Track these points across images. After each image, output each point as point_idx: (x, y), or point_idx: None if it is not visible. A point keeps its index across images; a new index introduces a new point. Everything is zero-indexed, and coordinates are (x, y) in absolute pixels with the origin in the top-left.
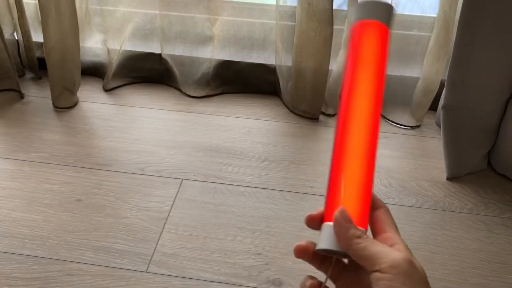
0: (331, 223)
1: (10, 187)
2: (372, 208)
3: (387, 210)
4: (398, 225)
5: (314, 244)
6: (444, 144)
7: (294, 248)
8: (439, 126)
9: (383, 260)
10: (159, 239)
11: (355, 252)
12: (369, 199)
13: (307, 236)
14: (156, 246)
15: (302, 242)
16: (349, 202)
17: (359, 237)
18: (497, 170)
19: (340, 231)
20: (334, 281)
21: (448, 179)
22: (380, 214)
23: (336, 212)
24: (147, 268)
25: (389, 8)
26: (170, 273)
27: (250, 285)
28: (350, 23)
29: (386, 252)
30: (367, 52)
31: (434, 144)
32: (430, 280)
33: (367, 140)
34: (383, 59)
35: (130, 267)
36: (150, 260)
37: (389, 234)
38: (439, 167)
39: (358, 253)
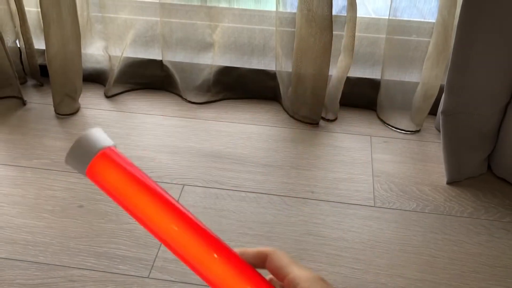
0: None
1: (12, 193)
2: (260, 261)
3: (274, 252)
4: (399, 230)
5: None
6: (444, 148)
7: None
8: (439, 131)
9: None
10: (161, 244)
11: None
12: (242, 263)
13: (308, 241)
14: (158, 252)
15: None
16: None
17: None
18: (497, 174)
19: None
20: None
21: (448, 183)
22: (270, 262)
23: None
24: (149, 273)
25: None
26: (172, 279)
27: None
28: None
29: None
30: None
31: (434, 149)
32: (431, 284)
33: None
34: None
35: (132, 273)
36: (152, 265)
37: (288, 277)
38: (439, 172)
39: None
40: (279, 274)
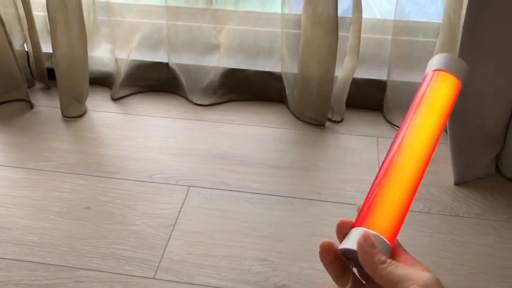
0: (361, 229)
1: (20, 195)
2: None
3: (398, 241)
4: (405, 230)
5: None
6: (451, 149)
7: (320, 245)
8: (446, 132)
9: (411, 282)
10: (166, 245)
11: (381, 277)
12: (402, 219)
13: (314, 241)
14: (163, 253)
15: (328, 241)
16: (385, 216)
17: (383, 262)
18: (505, 175)
19: (365, 257)
20: None
21: (456, 184)
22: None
23: (360, 237)
24: (155, 274)
25: (464, 66)
26: (177, 280)
27: None
28: (428, 70)
29: (413, 274)
30: (437, 97)
31: (441, 150)
32: None
33: (417, 167)
34: (448, 107)
35: (137, 274)
36: (158, 266)
37: (408, 256)
38: (447, 172)
39: (385, 278)
40: (397, 252)
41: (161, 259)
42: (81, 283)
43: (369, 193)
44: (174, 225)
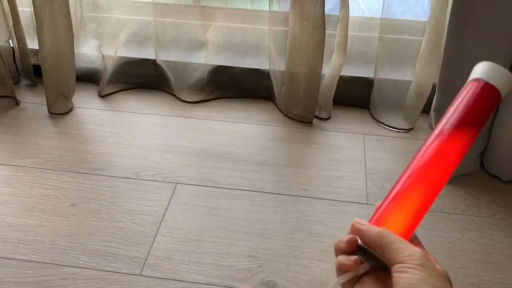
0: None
1: (4, 192)
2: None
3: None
4: None
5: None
6: None
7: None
8: (432, 129)
9: (404, 253)
10: (153, 242)
11: (382, 247)
12: (412, 229)
13: (301, 238)
14: (150, 250)
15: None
16: (401, 223)
17: (382, 233)
18: (490, 171)
19: (363, 234)
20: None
21: None
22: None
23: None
24: (141, 271)
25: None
26: (164, 276)
27: (244, 287)
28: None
29: (407, 247)
30: (475, 110)
31: None
32: None
33: (442, 179)
34: (483, 120)
35: (124, 271)
36: (144, 263)
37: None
38: None
39: (384, 248)
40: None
41: (147, 256)
42: (67, 280)
43: (390, 193)
44: (161, 222)
